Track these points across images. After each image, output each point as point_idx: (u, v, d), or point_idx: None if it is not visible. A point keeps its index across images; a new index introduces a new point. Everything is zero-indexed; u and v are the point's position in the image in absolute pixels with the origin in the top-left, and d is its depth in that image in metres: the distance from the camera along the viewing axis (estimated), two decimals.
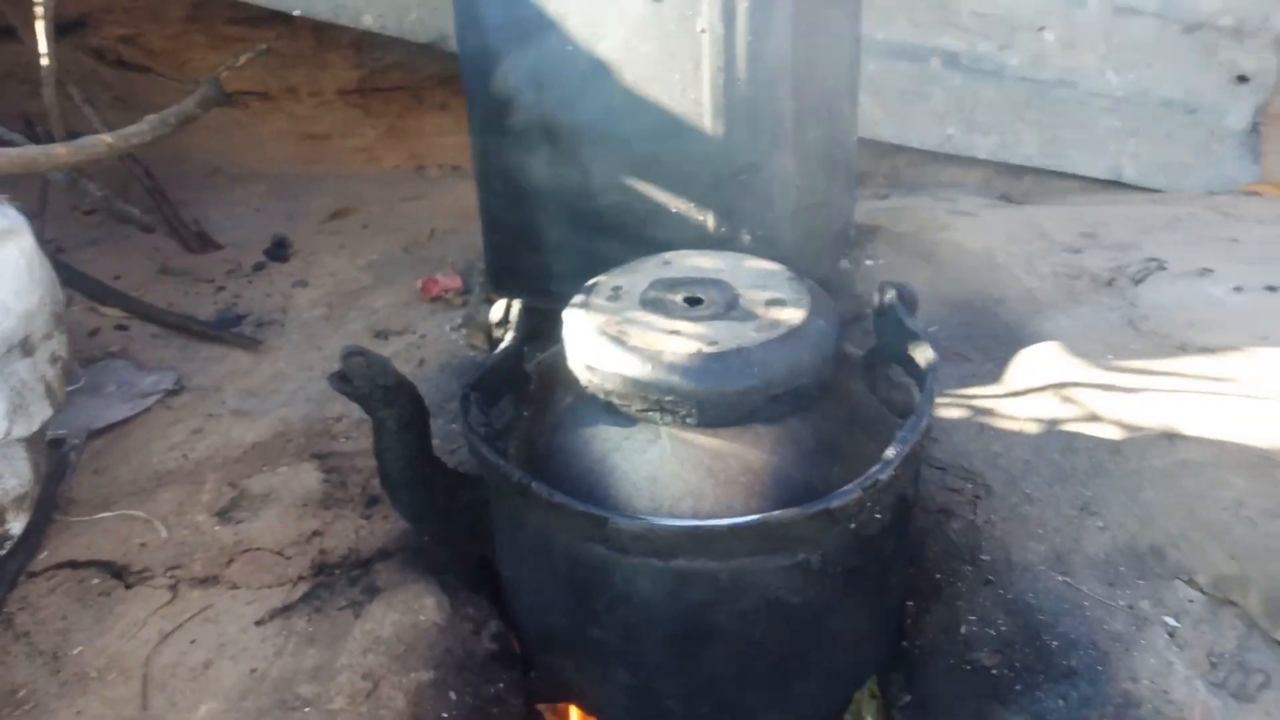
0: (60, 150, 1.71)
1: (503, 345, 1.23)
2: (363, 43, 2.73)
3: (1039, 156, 2.67)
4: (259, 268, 2.41)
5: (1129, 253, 2.12)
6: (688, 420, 1.07)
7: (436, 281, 2.22)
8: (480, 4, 1.72)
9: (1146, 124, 2.67)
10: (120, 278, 2.31)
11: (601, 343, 1.11)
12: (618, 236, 1.76)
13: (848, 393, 1.19)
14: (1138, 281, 1.98)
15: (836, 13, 1.80)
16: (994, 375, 1.71)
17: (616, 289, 1.23)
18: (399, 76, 2.74)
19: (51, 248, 2.32)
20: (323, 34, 2.68)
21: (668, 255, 1.30)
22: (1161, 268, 2.03)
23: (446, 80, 2.74)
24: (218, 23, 2.73)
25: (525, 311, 1.28)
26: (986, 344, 1.82)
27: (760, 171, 1.66)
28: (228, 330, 2.06)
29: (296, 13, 2.17)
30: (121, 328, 2.10)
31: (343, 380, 1.19)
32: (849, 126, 2.05)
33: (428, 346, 1.98)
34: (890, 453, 1.01)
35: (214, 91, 2.18)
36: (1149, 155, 2.70)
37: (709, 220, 1.70)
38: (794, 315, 1.13)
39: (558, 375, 1.21)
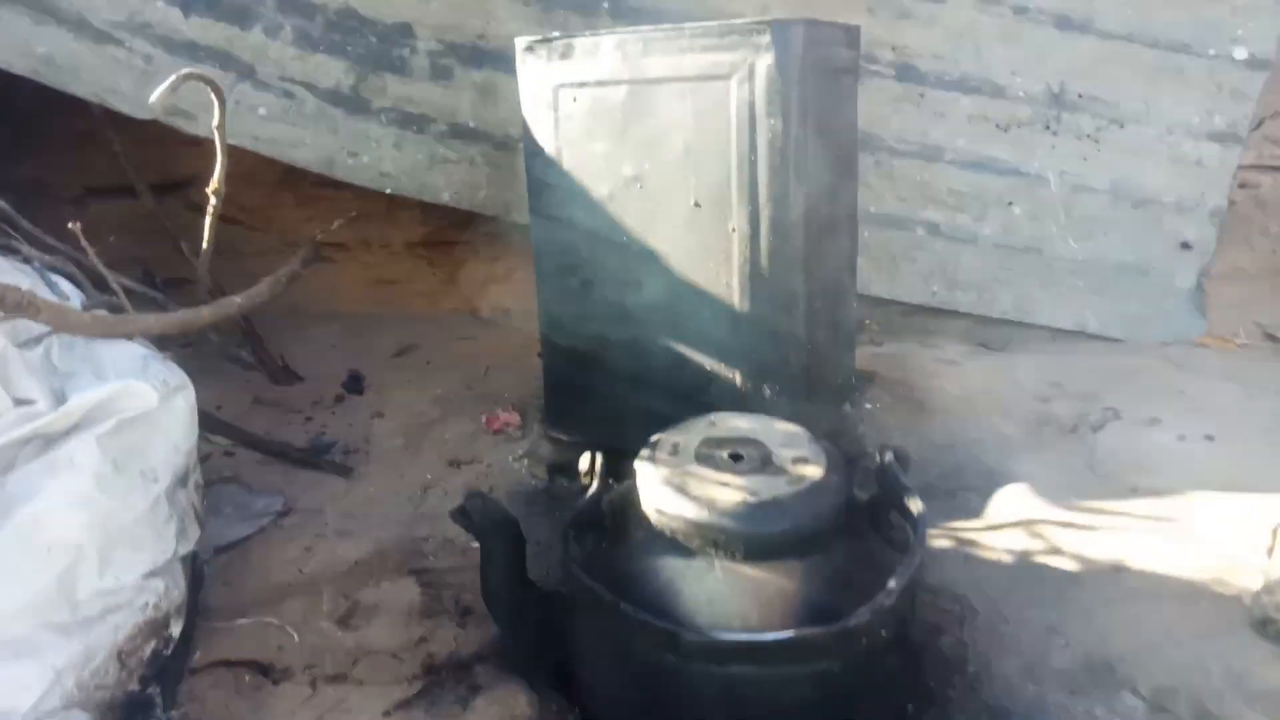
0: (205, 312, 2.10)
1: (590, 491, 1.57)
2: (429, 204, 3.16)
3: (1013, 311, 3.07)
4: (339, 400, 2.78)
5: (1090, 402, 2.49)
6: (736, 555, 1.40)
7: (498, 416, 2.57)
8: (551, 202, 2.14)
9: (1105, 283, 3.09)
10: (221, 407, 2.67)
11: (668, 492, 1.46)
12: (661, 390, 2.13)
13: (857, 533, 1.53)
14: (1096, 430, 2.34)
15: (840, 211, 2.22)
16: (976, 510, 2.05)
17: (675, 445, 1.58)
18: (458, 232, 3.18)
19: None
20: (396, 196, 3.12)
21: (713, 417, 1.66)
22: (1117, 417, 2.39)
23: (498, 236, 3.17)
24: (304, 185, 3.18)
25: (606, 463, 1.62)
26: (970, 481, 2.16)
27: (778, 339, 2.04)
28: (323, 457, 2.40)
29: (388, 191, 2.60)
30: (229, 454, 2.44)
31: (463, 516, 1.53)
32: (849, 295, 2.45)
33: (495, 475, 2.32)
34: (892, 583, 1.34)
35: (312, 252, 2.60)
36: (1109, 310, 3.11)
37: (737, 377, 2.08)
38: (815, 471, 1.48)
39: (631, 513, 1.55)
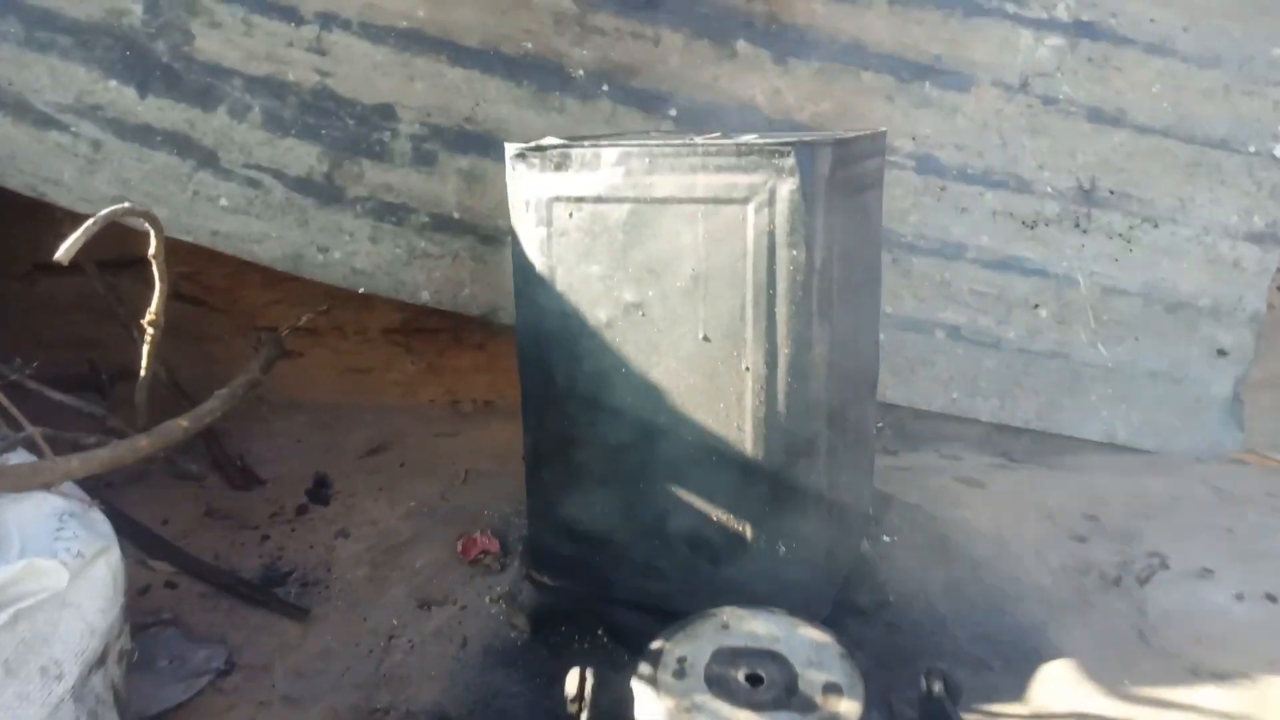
0: (143, 442, 1.84)
1: None
2: None
3: (1037, 420, 2.85)
4: (301, 511, 2.51)
5: (1131, 544, 2.26)
6: None
7: (475, 541, 2.31)
8: (540, 324, 1.90)
9: (1136, 391, 2.88)
10: (168, 523, 2.40)
11: None
12: (660, 539, 1.88)
13: None
14: (1143, 582, 2.10)
15: (864, 340, 1.99)
16: (1018, 690, 1.80)
17: (681, 660, 1.33)
18: (440, 319, 2.93)
19: (100, 484, 2.41)
20: None
21: (725, 617, 1.42)
22: (1165, 566, 2.16)
23: (484, 322, 2.92)
24: None
25: (596, 685, 1.37)
26: (1007, 651, 1.91)
27: (795, 490, 1.80)
28: (274, 593, 2.13)
29: (361, 290, 2.36)
30: (171, 585, 2.17)
31: None
32: (870, 423, 2.22)
33: (469, 622, 2.06)
34: None
35: (275, 351, 2.35)
36: (1140, 420, 2.89)
37: (747, 531, 1.83)
38: (851, 709, 1.23)
39: None
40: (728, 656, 1.32)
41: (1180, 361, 2.89)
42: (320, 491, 2.60)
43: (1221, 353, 2.90)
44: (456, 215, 2.44)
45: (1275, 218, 2.85)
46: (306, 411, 2.97)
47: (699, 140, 1.72)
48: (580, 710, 1.31)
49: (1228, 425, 2.92)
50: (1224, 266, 2.86)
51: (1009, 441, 2.93)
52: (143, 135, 2.18)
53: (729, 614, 1.42)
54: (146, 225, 1.53)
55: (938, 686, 1.28)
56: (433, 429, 2.94)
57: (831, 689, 1.26)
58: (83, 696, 1.45)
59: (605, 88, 2.57)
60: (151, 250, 1.58)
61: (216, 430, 2.71)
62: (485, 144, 2.46)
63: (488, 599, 2.14)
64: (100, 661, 1.53)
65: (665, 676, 1.29)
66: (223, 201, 2.24)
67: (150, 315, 1.66)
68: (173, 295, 3.06)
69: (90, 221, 1.38)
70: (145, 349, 1.75)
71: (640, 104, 2.59)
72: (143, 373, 1.83)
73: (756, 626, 1.39)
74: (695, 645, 1.35)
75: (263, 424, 2.91)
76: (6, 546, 1.44)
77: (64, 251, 1.32)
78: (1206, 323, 2.89)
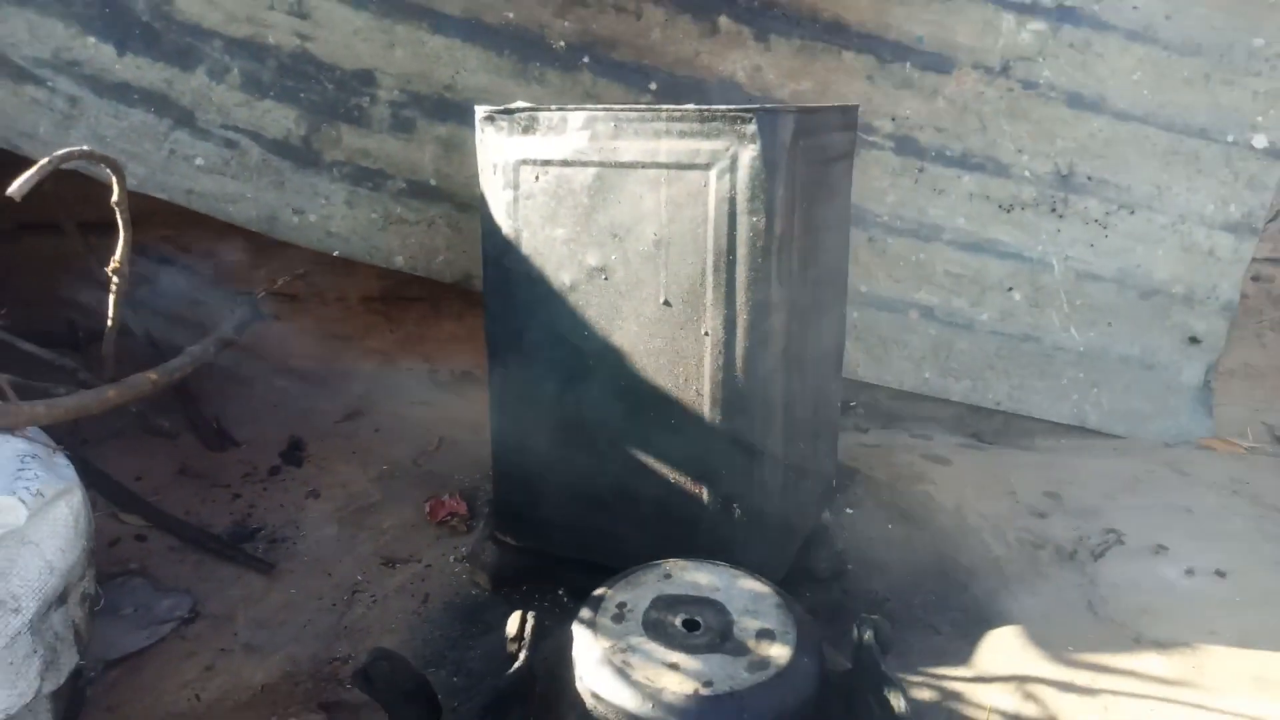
0: (111, 393, 1.87)
1: (516, 665, 1.34)
2: None
3: (1008, 402, 2.88)
4: (274, 472, 2.54)
5: (1090, 520, 2.28)
6: None
7: (443, 503, 2.35)
8: (506, 287, 1.92)
9: (1107, 376, 2.90)
10: (142, 479, 2.43)
11: (606, 674, 1.24)
12: (620, 500, 1.91)
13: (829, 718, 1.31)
14: (1097, 556, 2.13)
15: (826, 311, 2.02)
16: (964, 654, 1.83)
17: (621, 605, 1.36)
18: (420, 289, 2.96)
19: (77, 441, 2.44)
20: None
21: (668, 567, 1.44)
22: (1120, 541, 2.19)
23: (464, 293, 2.94)
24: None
25: (537, 627, 1.40)
26: (957, 618, 1.94)
27: (752, 455, 1.82)
28: (241, 547, 2.17)
29: (335, 253, 2.38)
30: (140, 538, 2.20)
31: (367, 682, 1.30)
32: (834, 397, 2.25)
33: (432, 580, 2.09)
34: None
35: (251, 314, 2.37)
36: (1110, 404, 2.91)
37: (704, 493, 1.86)
38: (781, 653, 1.26)
39: (563, 691, 1.32)
40: (667, 603, 1.35)
41: (1152, 348, 2.91)
42: (294, 454, 2.63)
43: (1194, 340, 2.93)
44: (433, 182, 2.47)
45: (1251, 208, 2.87)
46: (285, 376, 2.99)
47: (664, 106, 1.74)
48: (520, 649, 1.34)
49: (1198, 412, 2.94)
50: (1199, 255, 2.88)
51: (980, 423, 2.96)
52: (120, 92, 2.20)
53: (672, 565, 1.45)
54: (108, 171, 1.55)
55: (868, 635, 1.31)
56: (409, 397, 2.97)
57: (765, 635, 1.29)
58: (40, 631, 1.48)
59: (586, 60, 2.59)
60: (114, 198, 1.60)
61: (193, 391, 2.74)
62: (464, 112, 2.48)
63: (452, 558, 2.17)
64: (60, 600, 1.56)
65: (604, 620, 1.32)
66: (199, 161, 2.26)
67: (114, 263, 1.68)
68: (156, 258, 3.10)
69: (45, 160, 1.40)
70: (111, 298, 1.77)
71: (621, 78, 2.61)
72: (109, 322, 1.85)
73: (698, 577, 1.42)
74: (636, 592, 1.38)
75: (240, 386, 2.93)
76: None
77: (17, 187, 1.34)
78: (1179, 310, 2.91)
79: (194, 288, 2.80)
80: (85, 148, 1.47)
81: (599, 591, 1.39)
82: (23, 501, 1.45)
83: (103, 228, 2.92)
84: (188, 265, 2.95)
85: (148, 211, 2.96)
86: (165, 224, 3.01)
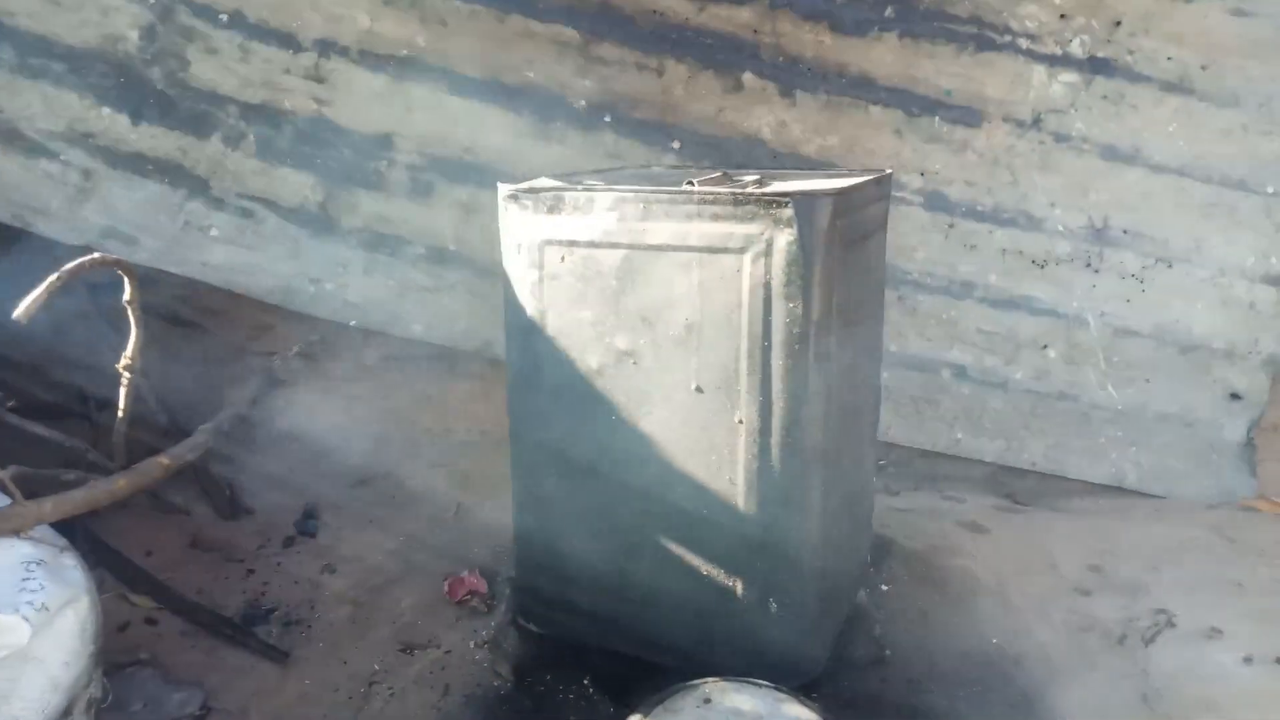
0: (121, 483, 1.81)
1: None
2: None
3: (1044, 462, 2.79)
4: (288, 543, 2.46)
5: (1137, 598, 2.19)
6: None
7: (463, 581, 2.26)
8: (530, 368, 1.85)
9: (1146, 435, 2.81)
10: (152, 553, 2.36)
11: None
12: (648, 592, 1.83)
13: None
14: (1148, 641, 2.03)
15: (863, 392, 1.94)
16: None
17: None
18: (436, 348, 2.89)
19: (86, 514, 2.38)
20: None
21: (708, 690, 1.36)
22: (1171, 623, 2.09)
23: (478, 351, 2.87)
24: None
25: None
26: (1005, 713, 1.85)
27: (787, 548, 1.74)
28: (255, 633, 2.09)
29: (353, 323, 2.32)
30: (151, 622, 2.12)
31: None
32: (869, 470, 2.17)
33: (452, 668, 2.01)
34: None
35: (265, 387, 2.31)
36: (1149, 464, 2.82)
37: (738, 586, 1.77)
38: None
39: None
40: None
41: (1192, 405, 2.82)
42: (308, 523, 2.55)
43: (1235, 396, 2.83)
44: (452, 247, 2.41)
45: None
46: (298, 439, 2.93)
47: (695, 187, 1.67)
48: None
49: (1240, 470, 2.84)
50: (1239, 308, 2.79)
51: (1014, 482, 2.86)
52: (134, 163, 2.15)
53: (712, 687, 1.37)
54: (120, 273, 1.50)
55: None
56: (427, 459, 2.89)
57: None
58: None
59: (607, 119, 2.53)
60: (126, 296, 1.55)
61: (205, 457, 2.67)
62: (483, 175, 2.43)
63: (472, 644, 2.08)
64: (65, 714, 1.49)
65: None
66: (214, 231, 2.21)
67: (125, 359, 1.62)
68: (170, 317, 3.05)
69: (54, 277, 1.34)
70: (122, 391, 1.71)
71: (643, 136, 2.55)
72: (120, 413, 1.79)
73: (740, 701, 1.34)
74: None
75: (253, 451, 2.87)
76: None
77: (23, 310, 1.28)
78: (1220, 365, 2.82)
79: (207, 351, 2.75)
80: (96, 255, 1.42)
81: (634, 719, 1.31)
82: (26, 619, 1.39)
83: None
84: (203, 327, 2.90)
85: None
86: (180, 285, 2.97)
